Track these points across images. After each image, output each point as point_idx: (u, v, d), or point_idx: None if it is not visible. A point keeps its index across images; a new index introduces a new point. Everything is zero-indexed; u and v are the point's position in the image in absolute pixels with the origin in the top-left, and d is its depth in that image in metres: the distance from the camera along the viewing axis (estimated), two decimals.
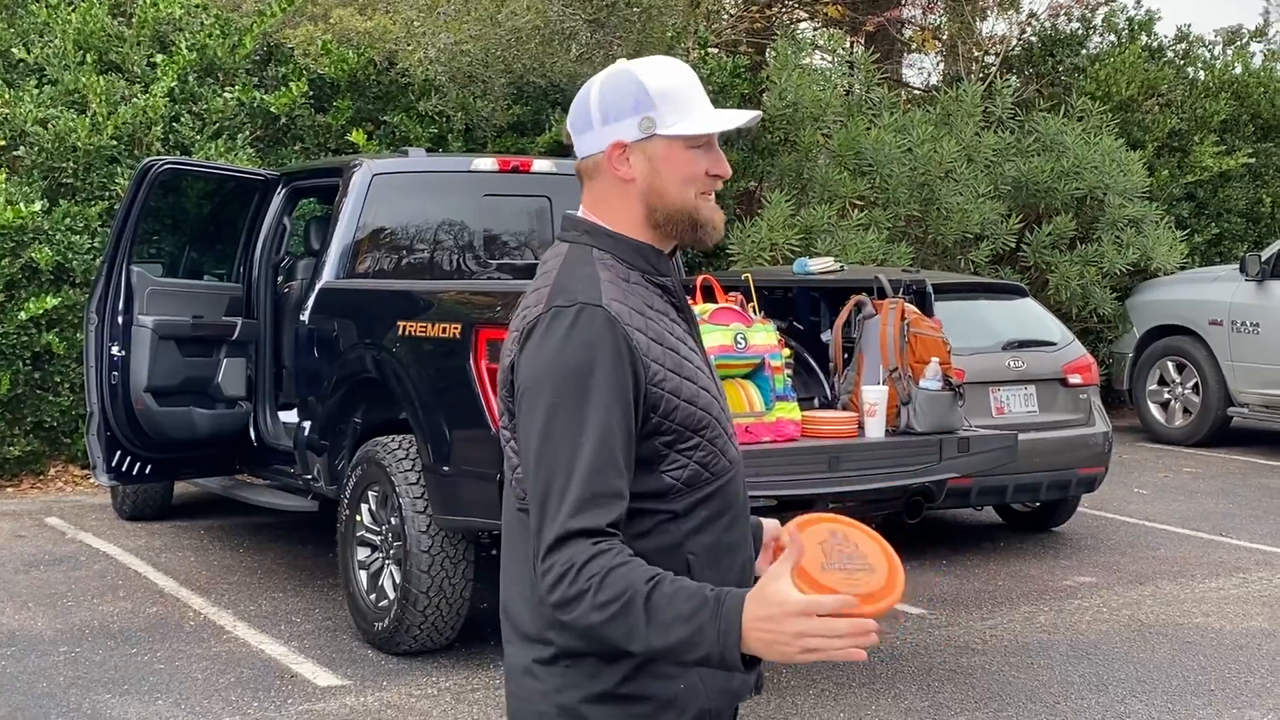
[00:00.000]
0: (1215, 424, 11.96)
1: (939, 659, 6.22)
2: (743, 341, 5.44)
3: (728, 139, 11.42)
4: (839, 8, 15.26)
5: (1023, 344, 8.34)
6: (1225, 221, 14.88)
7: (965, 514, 9.05)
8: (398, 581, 6.07)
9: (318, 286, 7.02)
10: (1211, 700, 5.71)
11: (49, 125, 9.76)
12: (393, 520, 6.12)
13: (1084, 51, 14.95)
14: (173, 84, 10.21)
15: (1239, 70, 15.43)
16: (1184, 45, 15.56)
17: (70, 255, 9.71)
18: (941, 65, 16.43)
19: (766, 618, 1.95)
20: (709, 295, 5.66)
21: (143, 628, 6.57)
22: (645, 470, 2.15)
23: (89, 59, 10.14)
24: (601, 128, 2.23)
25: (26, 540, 8.26)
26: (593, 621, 2.02)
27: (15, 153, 9.83)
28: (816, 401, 6.30)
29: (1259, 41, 16.15)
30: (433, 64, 10.64)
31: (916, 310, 6.03)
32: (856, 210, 11.78)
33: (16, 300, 9.61)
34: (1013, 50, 15.15)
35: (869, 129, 12.03)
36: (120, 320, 7.23)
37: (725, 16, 14.97)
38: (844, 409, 5.99)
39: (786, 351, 5.69)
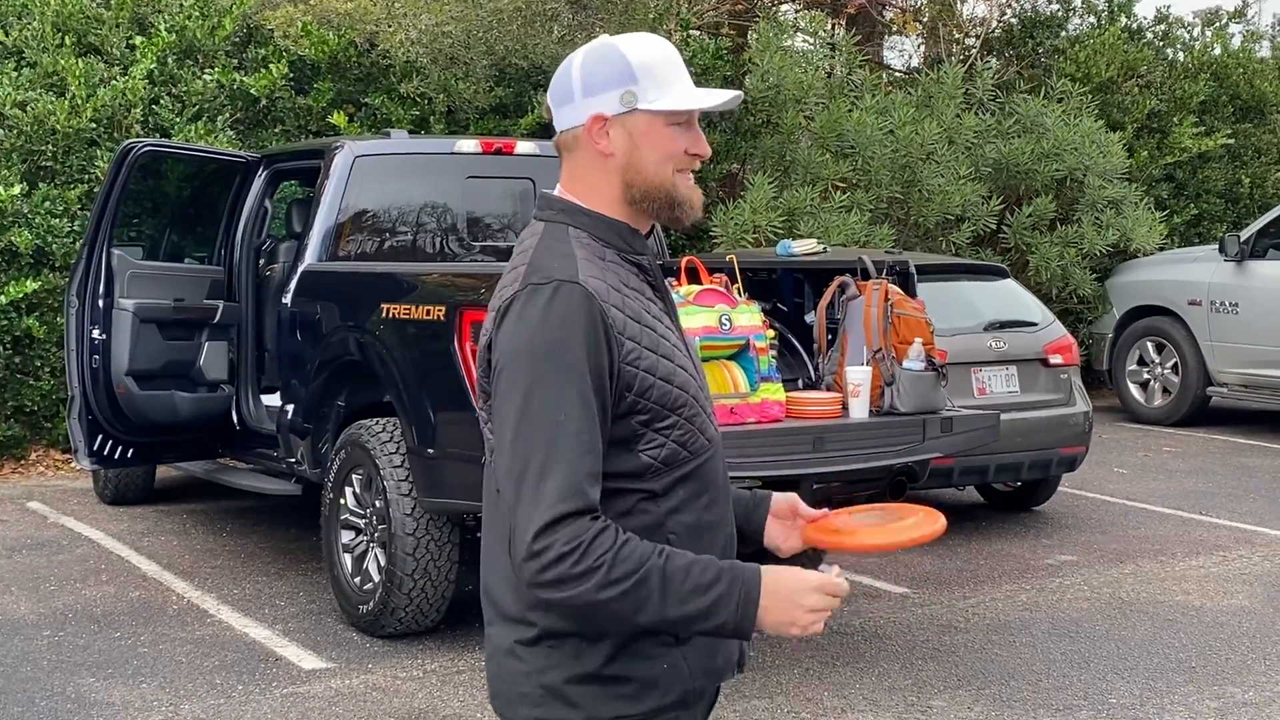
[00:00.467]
0: (1194, 404, 12.03)
1: (921, 638, 6.25)
2: (728, 323, 5.45)
3: (710, 121, 11.41)
4: None
5: (1004, 325, 8.37)
6: (1204, 202, 14.94)
7: (947, 493, 9.09)
8: (382, 564, 6.07)
9: (300, 269, 7.00)
10: (1193, 677, 5.75)
11: (28, 108, 9.70)
12: (377, 503, 6.11)
13: (1064, 33, 14.98)
14: (152, 66, 10.16)
15: (1218, 51, 15.49)
16: (1163, 26, 15.60)
17: (50, 239, 9.66)
18: (922, 47, 16.44)
19: (790, 591, 2.10)
20: (694, 277, 5.67)
21: (126, 612, 6.56)
22: (623, 449, 2.15)
23: (67, 41, 10.08)
24: (582, 100, 2.22)
25: (8, 525, 8.24)
26: (597, 599, 2.03)
27: None
28: (800, 382, 6.31)
29: (1237, 23, 16.20)
30: (414, 45, 10.61)
31: (900, 291, 6.05)
32: (839, 192, 11.78)
33: None
34: (993, 32, 15.17)
35: (851, 111, 12.04)
36: (101, 304, 7.21)
37: None
38: (828, 390, 6.00)
39: (771, 333, 5.70)
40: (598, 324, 2.11)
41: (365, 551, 6.24)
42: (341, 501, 6.36)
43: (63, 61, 9.87)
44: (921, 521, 2.30)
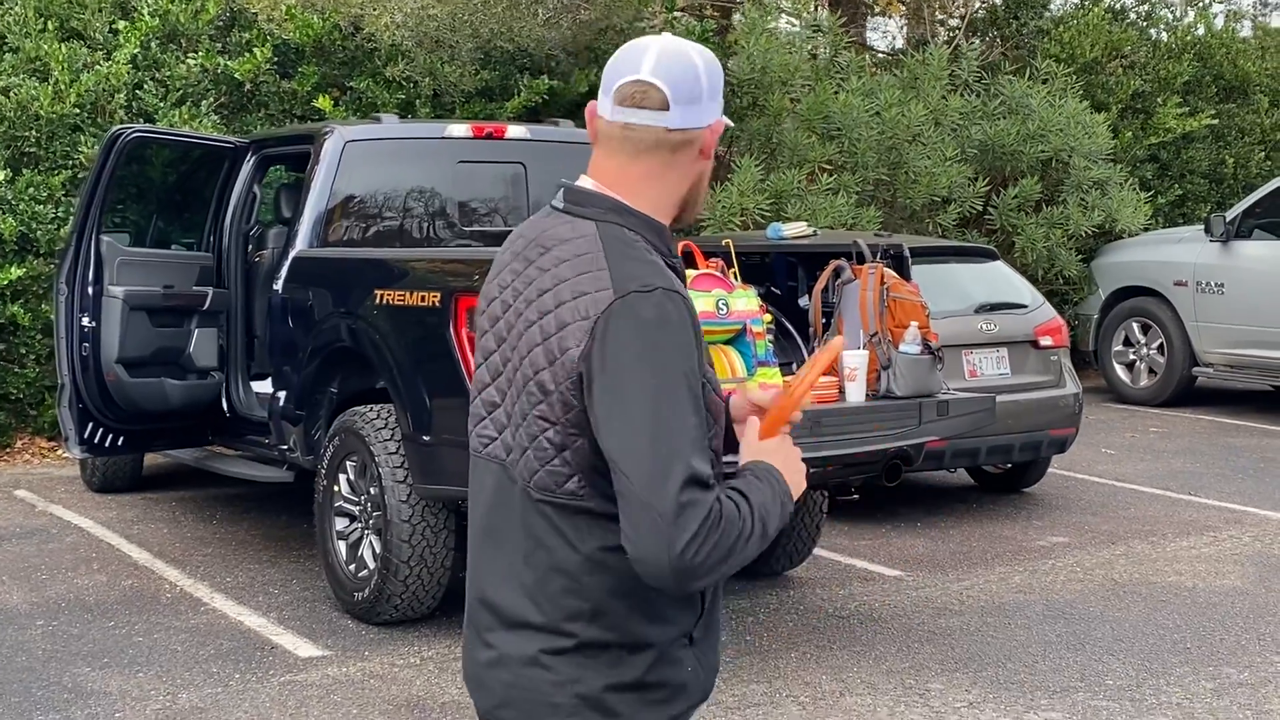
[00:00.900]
0: (1180, 384, 12.07)
1: (917, 620, 6.27)
2: (724, 307, 5.44)
3: None
4: None
5: (994, 307, 8.39)
6: (1188, 183, 14.97)
7: (937, 476, 9.11)
8: (378, 551, 6.05)
9: (291, 255, 6.95)
10: (1188, 658, 5.77)
11: (11, 94, 9.62)
12: (372, 490, 6.09)
13: (1047, 14, 14.97)
14: (135, 51, 10.08)
15: (1201, 31, 15.50)
16: (1146, 6, 15.62)
17: (34, 225, 9.59)
18: (905, 28, 16.44)
19: (787, 461, 2.24)
20: (690, 261, 5.65)
21: (119, 600, 6.53)
22: None
23: (50, 26, 10.00)
24: (708, 102, 2.21)
25: None
26: (729, 566, 2.07)
27: None
28: (795, 366, 6.30)
29: (1221, 3, 16.25)
30: (399, 29, 10.55)
31: (895, 275, 6.05)
32: (825, 174, 11.78)
33: None
34: (976, 13, 15.16)
35: (837, 93, 12.02)
36: (90, 291, 7.15)
37: None
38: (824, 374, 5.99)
39: (768, 317, 5.69)
40: (695, 331, 2.12)
41: (360, 538, 6.22)
42: (335, 489, 6.33)
43: (45, 47, 9.79)
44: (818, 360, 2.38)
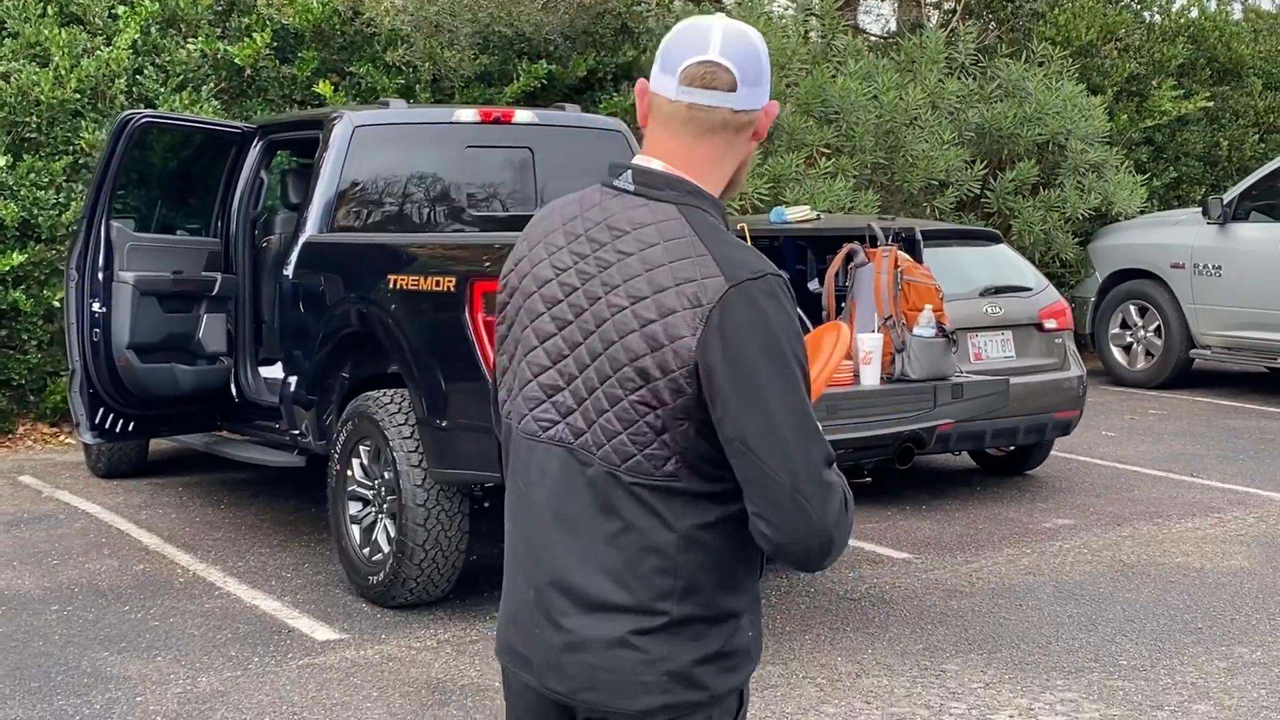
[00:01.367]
0: (1177, 366, 12.12)
1: (929, 602, 6.31)
2: None
3: None
4: None
5: (999, 290, 8.42)
6: (1183, 165, 15.02)
7: (940, 459, 9.15)
8: (392, 535, 6.07)
9: (301, 240, 6.95)
10: (1200, 638, 5.82)
11: (11, 79, 9.60)
12: (386, 474, 6.11)
13: None
14: (135, 36, 10.06)
15: (1195, 14, 15.54)
16: None
17: (35, 211, 9.57)
18: (897, 12, 16.43)
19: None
20: None
21: (132, 585, 6.54)
22: None
23: (50, 11, 9.97)
24: (765, 85, 2.22)
25: (3, 499, 8.19)
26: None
27: None
28: None
29: None
30: (399, 13, 10.54)
31: (909, 258, 6.07)
32: (823, 158, 11.79)
33: None
34: None
35: (834, 77, 12.04)
36: (100, 276, 7.16)
37: None
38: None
39: None
40: (795, 309, 2.18)
41: (374, 523, 6.24)
42: (349, 473, 6.35)
43: (46, 32, 9.76)
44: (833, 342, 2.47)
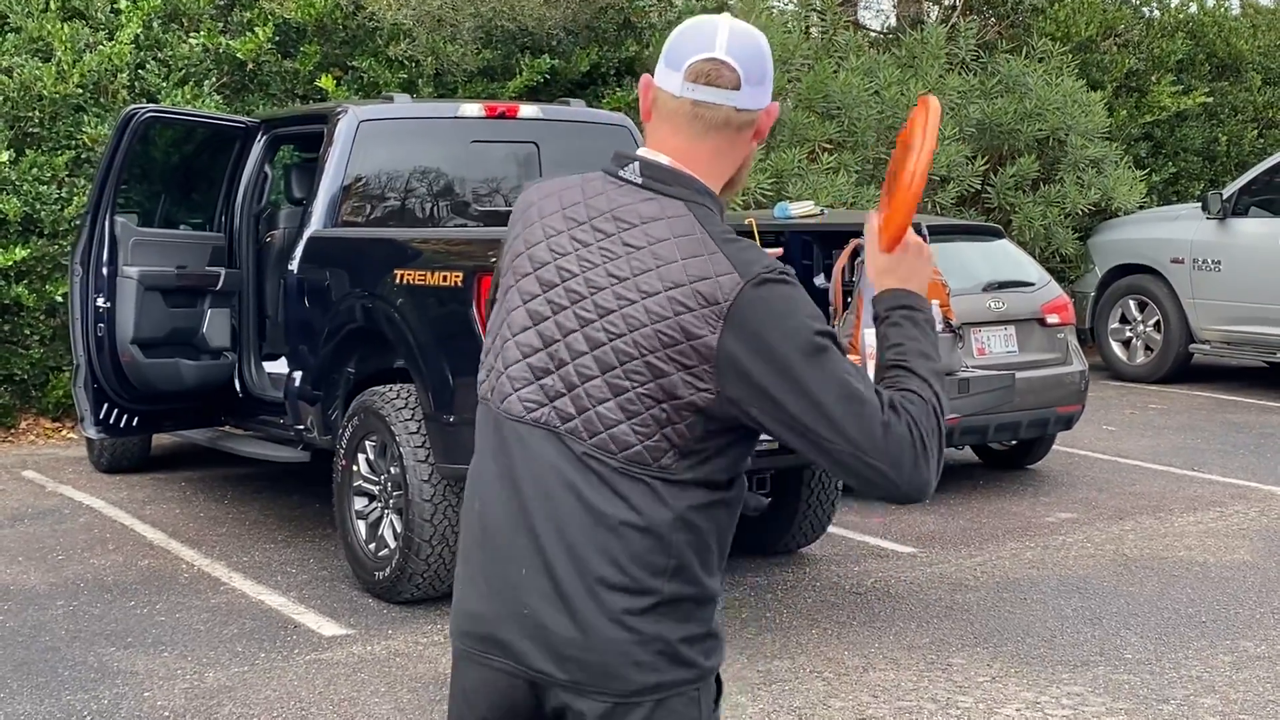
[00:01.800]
0: (1177, 361, 12.15)
1: (934, 596, 6.32)
2: None
3: None
4: None
5: (1001, 285, 8.44)
6: (1182, 160, 15.05)
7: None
8: (398, 531, 6.07)
9: (305, 235, 6.96)
10: (1204, 632, 5.83)
11: (14, 74, 9.60)
12: (392, 470, 6.11)
13: None
14: (137, 30, 10.05)
15: (1194, 9, 15.57)
16: None
17: (38, 205, 9.57)
18: (897, 8, 16.44)
19: (909, 275, 2.35)
20: None
21: (137, 580, 6.54)
22: (743, 443, 2.22)
23: (52, 6, 9.96)
24: (769, 85, 2.24)
25: (6, 494, 8.20)
26: (943, 422, 2.19)
27: None
28: None
29: None
30: (401, 8, 10.54)
31: None
32: (826, 153, 11.81)
33: None
34: None
35: (836, 72, 12.05)
36: (105, 271, 7.16)
37: None
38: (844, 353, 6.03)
39: None
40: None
41: (380, 518, 6.25)
42: (354, 468, 6.35)
43: (48, 26, 9.76)
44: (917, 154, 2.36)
